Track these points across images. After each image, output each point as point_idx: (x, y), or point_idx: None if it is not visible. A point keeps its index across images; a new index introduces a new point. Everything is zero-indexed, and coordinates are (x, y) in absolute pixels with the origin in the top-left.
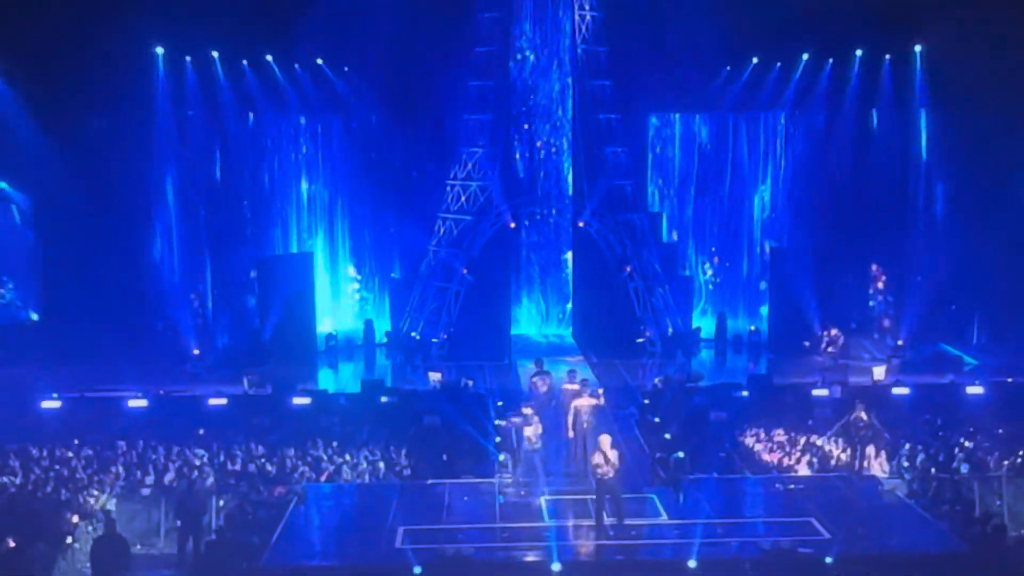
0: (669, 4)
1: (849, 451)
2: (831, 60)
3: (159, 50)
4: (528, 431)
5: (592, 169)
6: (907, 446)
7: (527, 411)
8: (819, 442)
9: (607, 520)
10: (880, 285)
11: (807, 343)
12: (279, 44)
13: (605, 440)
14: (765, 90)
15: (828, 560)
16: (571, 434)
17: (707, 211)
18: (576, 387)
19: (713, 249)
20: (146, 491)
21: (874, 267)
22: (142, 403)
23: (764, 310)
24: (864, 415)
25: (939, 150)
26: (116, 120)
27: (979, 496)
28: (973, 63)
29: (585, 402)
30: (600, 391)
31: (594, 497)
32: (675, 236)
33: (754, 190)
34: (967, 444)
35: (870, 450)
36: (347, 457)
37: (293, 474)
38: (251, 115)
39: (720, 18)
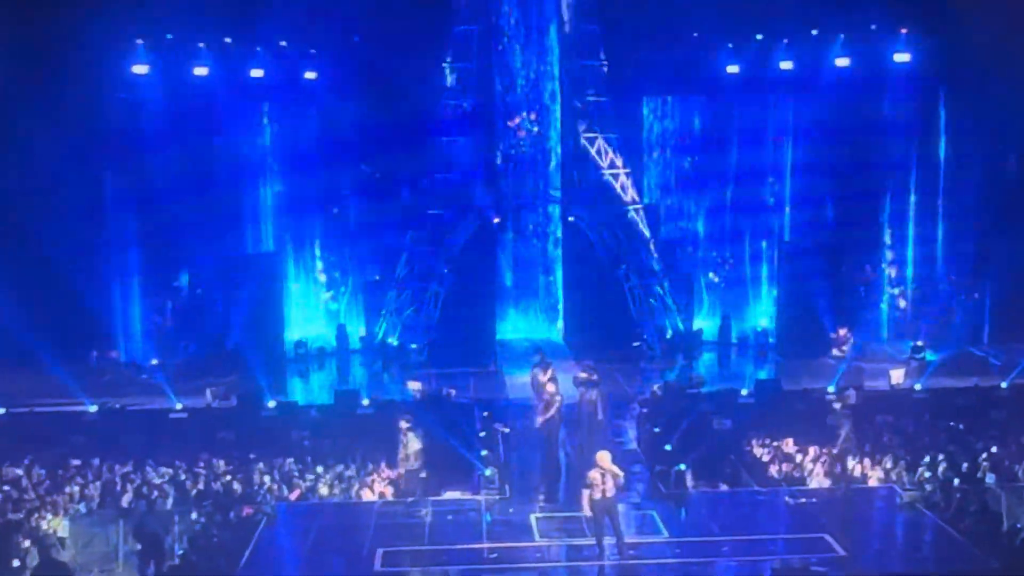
0: None
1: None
2: (842, 36)
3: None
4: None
5: (582, 158)
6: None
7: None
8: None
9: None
10: (895, 277)
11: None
12: (239, 26)
13: (604, 457)
14: (770, 69)
15: None
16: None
17: (708, 202)
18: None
19: (714, 254)
20: (103, 512)
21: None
22: (96, 416)
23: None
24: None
25: (959, 132)
26: (61, 112)
27: (1007, 508)
28: (995, 43)
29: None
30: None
31: (590, 516)
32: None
33: (760, 180)
34: (993, 451)
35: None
36: (319, 471)
37: (261, 492)
38: (209, 103)
39: None
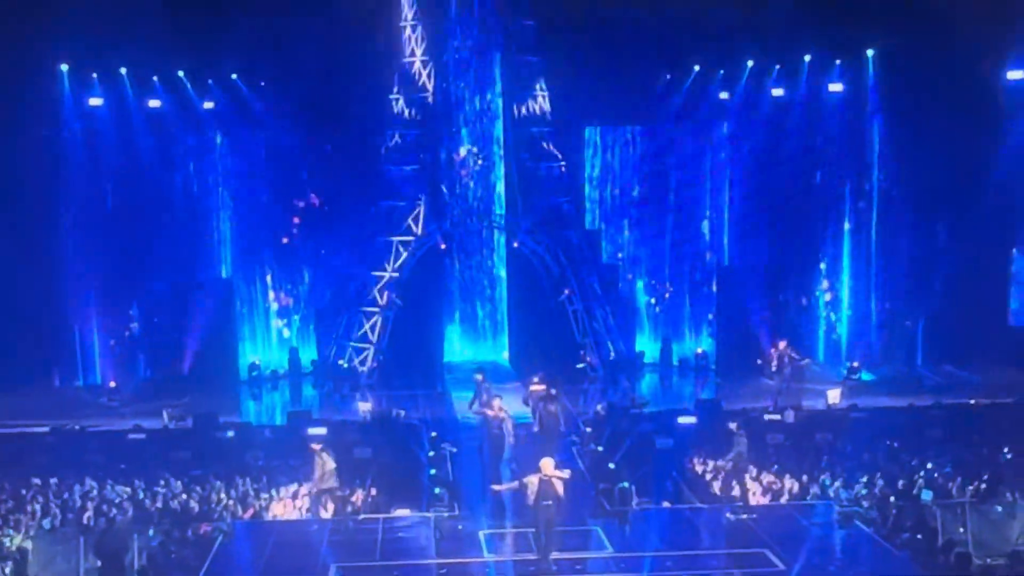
0: (605, 10)
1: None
2: (777, 66)
3: (64, 67)
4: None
5: (526, 185)
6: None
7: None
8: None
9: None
10: (831, 301)
11: (760, 361)
12: (191, 59)
13: (547, 463)
14: (708, 99)
15: None
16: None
17: (648, 228)
18: (542, 388)
19: (653, 282)
20: (64, 530)
21: (824, 284)
22: (55, 438)
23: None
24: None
25: (893, 160)
26: (17, 142)
27: (942, 524)
28: (927, 67)
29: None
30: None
31: (534, 530)
32: (619, 255)
33: (699, 205)
34: (928, 468)
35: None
36: (273, 492)
37: (218, 510)
38: (162, 134)
39: (659, 23)
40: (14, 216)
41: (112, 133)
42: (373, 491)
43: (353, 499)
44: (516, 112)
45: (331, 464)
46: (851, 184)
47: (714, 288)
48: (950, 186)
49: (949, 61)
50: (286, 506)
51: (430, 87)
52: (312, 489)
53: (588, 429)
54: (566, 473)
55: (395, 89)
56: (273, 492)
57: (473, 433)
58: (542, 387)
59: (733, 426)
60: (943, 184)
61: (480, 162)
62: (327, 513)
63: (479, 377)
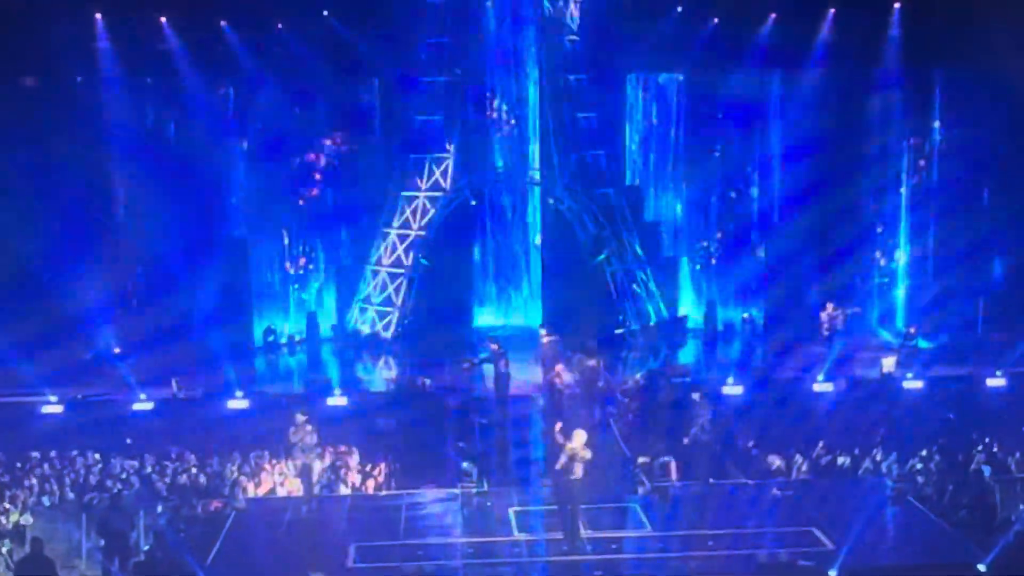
0: None
1: None
2: (832, 10)
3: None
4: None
5: (562, 138)
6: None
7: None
8: None
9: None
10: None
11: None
12: (205, 3)
13: (580, 436)
14: (759, 46)
15: (832, 573)
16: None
17: (693, 185)
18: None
19: (699, 242)
20: (65, 506)
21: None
22: (57, 409)
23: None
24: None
25: (955, 114)
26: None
27: (1000, 501)
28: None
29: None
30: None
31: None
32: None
33: (747, 161)
34: (988, 442)
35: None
36: (289, 467)
37: (230, 486)
38: (174, 81)
39: None
40: (12, 176)
41: (118, 81)
42: (396, 465)
43: (375, 473)
44: (552, 60)
45: (312, 439)
46: (911, 139)
47: (762, 250)
48: (1014, 145)
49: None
50: (349, 477)
51: (461, 33)
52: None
53: (626, 399)
54: (588, 455)
55: (422, 33)
56: (289, 466)
57: (505, 404)
58: (552, 338)
59: (696, 396)
60: (1006, 142)
61: (513, 123)
62: (345, 489)
63: (494, 346)
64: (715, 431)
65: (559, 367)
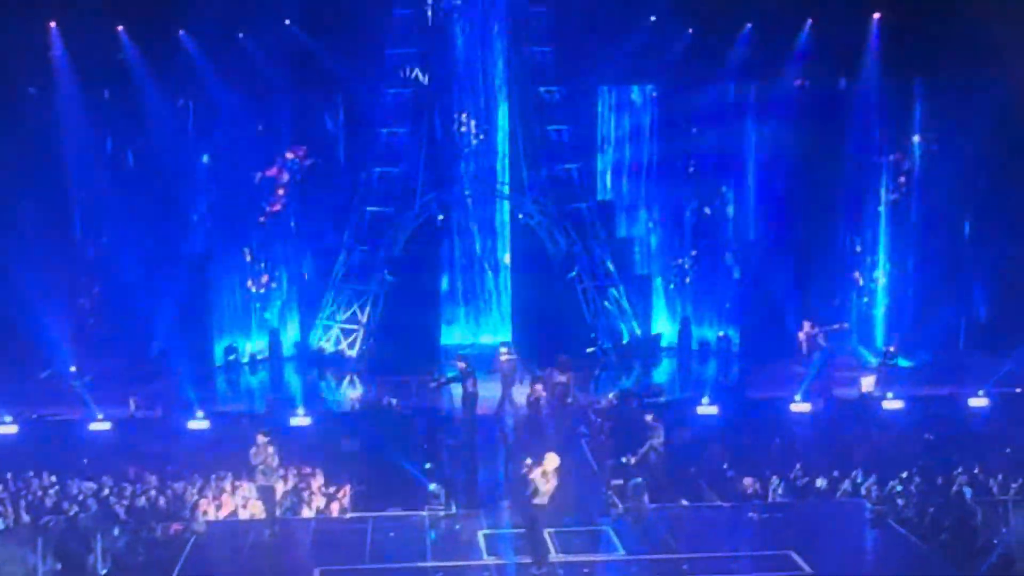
0: None
1: None
2: (810, 21)
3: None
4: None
5: (532, 151)
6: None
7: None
8: None
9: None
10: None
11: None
12: (162, 13)
13: (552, 460)
14: (733, 59)
15: None
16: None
17: (666, 200)
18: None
19: (673, 259)
20: (19, 530)
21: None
22: (12, 429)
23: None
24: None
25: (934, 129)
26: None
27: (982, 523)
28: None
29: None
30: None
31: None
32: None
33: (722, 175)
34: (969, 464)
35: None
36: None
37: (189, 508)
38: (134, 92)
39: None
40: None
41: (74, 91)
42: (362, 487)
43: (340, 495)
44: (522, 70)
45: (275, 459)
46: (890, 155)
47: (736, 268)
48: (993, 160)
49: (993, 29)
50: (314, 500)
51: (427, 43)
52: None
53: (599, 420)
54: (553, 481)
55: (389, 43)
56: (250, 488)
57: (473, 423)
58: (511, 357)
59: (649, 418)
60: (985, 157)
61: (482, 137)
62: (309, 511)
63: (462, 365)
64: (668, 454)
65: (538, 386)
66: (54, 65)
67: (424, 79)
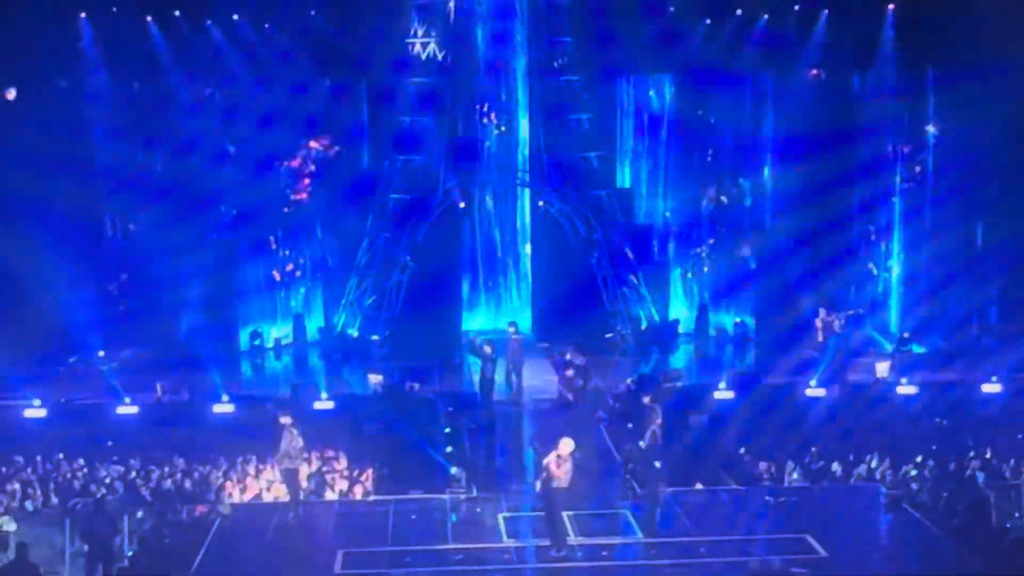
0: None
1: None
2: (826, 11)
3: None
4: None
5: (552, 139)
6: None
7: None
8: None
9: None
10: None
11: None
12: (192, 2)
13: (567, 445)
14: (751, 48)
15: None
16: None
17: (685, 188)
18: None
19: (692, 247)
20: (48, 511)
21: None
22: (41, 412)
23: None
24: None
25: (948, 120)
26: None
27: (996, 508)
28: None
29: None
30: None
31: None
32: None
33: (739, 164)
34: (982, 449)
35: None
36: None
37: (215, 491)
38: (159, 79)
39: None
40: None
41: (102, 79)
42: (384, 470)
43: (362, 478)
44: (543, 60)
45: (299, 441)
46: (904, 143)
47: (753, 256)
48: (1006, 148)
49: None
50: (336, 483)
51: (449, 32)
52: (275, 466)
53: (617, 405)
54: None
55: (412, 32)
56: (275, 471)
57: (494, 408)
58: (518, 336)
59: (647, 400)
60: (999, 146)
61: (503, 128)
62: (332, 494)
63: (488, 349)
64: (686, 438)
65: (569, 371)
66: (84, 56)
67: (445, 69)
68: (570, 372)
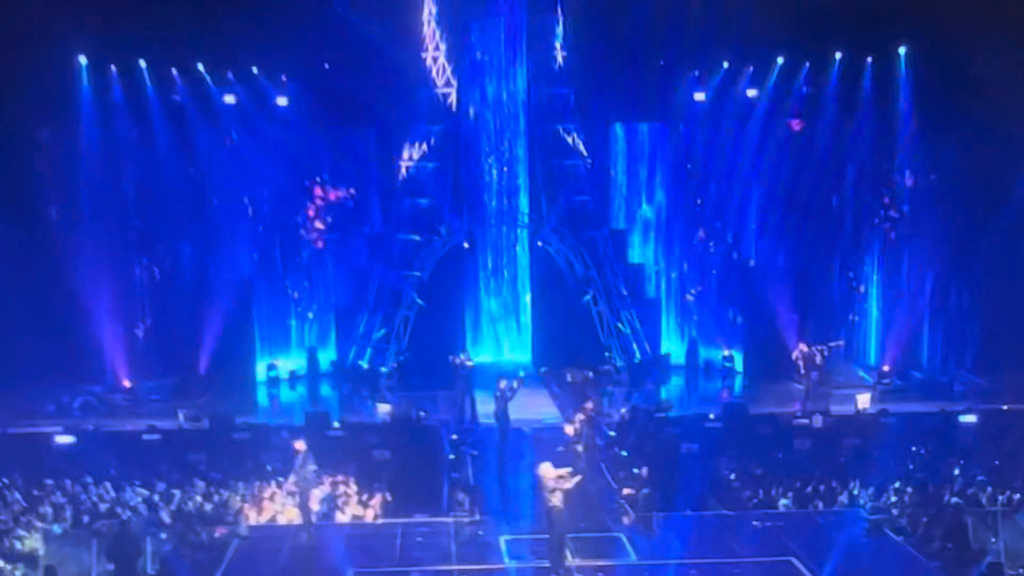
0: (632, 4)
1: None
2: (808, 63)
3: (82, 59)
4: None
5: (551, 183)
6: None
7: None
8: None
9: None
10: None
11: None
12: (210, 52)
13: (546, 469)
14: (736, 96)
15: None
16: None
17: (675, 228)
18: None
19: (683, 285)
20: (76, 532)
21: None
22: (69, 439)
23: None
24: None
25: (926, 160)
26: (30, 137)
27: (973, 533)
28: (961, 65)
29: None
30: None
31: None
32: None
33: (726, 204)
34: (958, 477)
35: None
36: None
37: (233, 513)
38: (181, 128)
39: (686, 18)
40: (26, 213)
41: (129, 128)
42: (392, 495)
43: (372, 502)
44: (541, 109)
45: (311, 466)
46: (883, 185)
47: (741, 289)
48: (984, 188)
49: (985, 57)
50: (348, 507)
51: (454, 83)
52: (290, 490)
53: (612, 433)
54: (565, 473)
55: (418, 85)
56: (288, 495)
57: (495, 436)
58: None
59: (570, 430)
60: (977, 186)
61: (505, 170)
62: (344, 517)
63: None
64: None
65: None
66: (112, 106)
67: (450, 119)
68: (589, 404)
